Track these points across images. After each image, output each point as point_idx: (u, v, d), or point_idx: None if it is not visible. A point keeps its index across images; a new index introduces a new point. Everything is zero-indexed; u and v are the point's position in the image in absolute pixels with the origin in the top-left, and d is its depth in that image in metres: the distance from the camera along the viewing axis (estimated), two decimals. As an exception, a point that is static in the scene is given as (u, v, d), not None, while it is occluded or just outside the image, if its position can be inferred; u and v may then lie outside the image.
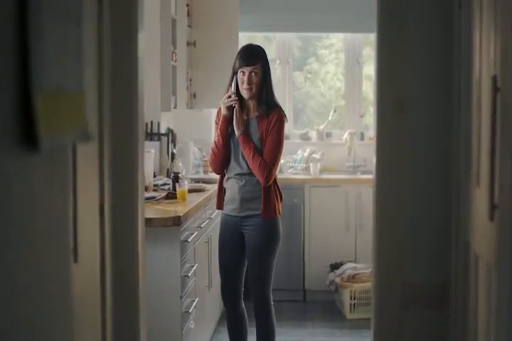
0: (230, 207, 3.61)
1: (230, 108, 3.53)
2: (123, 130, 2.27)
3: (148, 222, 3.26)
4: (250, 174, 3.53)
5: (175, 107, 4.91)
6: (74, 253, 1.83)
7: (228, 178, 3.61)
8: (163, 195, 3.95)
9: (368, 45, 6.34)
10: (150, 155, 4.32)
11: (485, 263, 1.81)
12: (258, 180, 3.50)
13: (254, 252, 3.56)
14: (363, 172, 5.77)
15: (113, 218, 2.24)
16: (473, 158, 1.94)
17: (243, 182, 3.55)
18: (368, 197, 5.40)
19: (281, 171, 5.52)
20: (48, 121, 1.01)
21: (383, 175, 2.26)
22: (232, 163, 3.59)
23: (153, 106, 4.73)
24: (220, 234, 3.70)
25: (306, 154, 5.78)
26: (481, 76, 1.86)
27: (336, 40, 6.51)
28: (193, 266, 3.70)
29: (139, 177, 2.32)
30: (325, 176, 5.67)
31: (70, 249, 1.78)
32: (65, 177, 1.45)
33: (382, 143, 2.24)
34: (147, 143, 4.70)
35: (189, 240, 3.54)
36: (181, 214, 3.38)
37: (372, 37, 6.27)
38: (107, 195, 2.18)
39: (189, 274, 3.55)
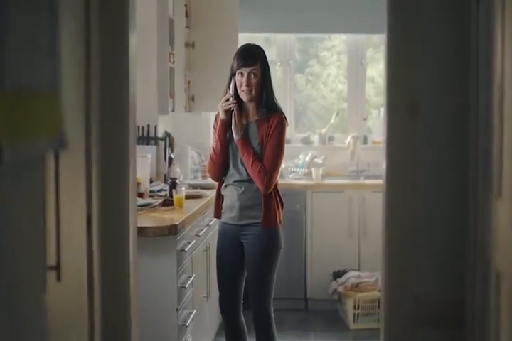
0: (229, 215, 3.44)
1: (228, 112, 3.36)
2: (113, 134, 2.11)
3: (143, 231, 3.12)
4: (250, 181, 3.36)
5: (172, 110, 4.77)
6: (57, 271, 1.67)
7: (226, 185, 3.44)
8: (160, 201, 3.78)
9: (370, 46, 6.19)
10: (146, 160, 4.17)
11: (509, 282, 1.65)
12: (258, 187, 3.34)
13: (254, 263, 3.39)
14: (367, 177, 5.62)
15: (102, 230, 2.07)
16: (494, 166, 1.78)
17: (242, 188, 3.38)
18: (371, 202, 5.27)
19: (282, 176, 5.36)
20: (11, 126, 0.85)
21: (394, 183, 2.10)
22: (231, 170, 3.42)
23: (150, 110, 4.59)
24: (218, 243, 3.53)
25: (307, 158, 5.62)
26: (504, 76, 1.70)
27: (338, 41, 6.36)
28: (190, 277, 3.54)
29: (131, 186, 2.16)
30: (327, 181, 5.53)
31: (49, 267, 1.62)
32: (39, 189, 1.29)
33: (392, 148, 2.08)
34: (144, 148, 4.56)
35: (186, 250, 3.38)
36: (178, 223, 3.22)
37: (374, 38, 6.21)
38: (95, 206, 2.02)
39: (186, 285, 3.38)
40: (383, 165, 2.22)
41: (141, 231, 3.12)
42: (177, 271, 3.25)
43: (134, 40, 2.21)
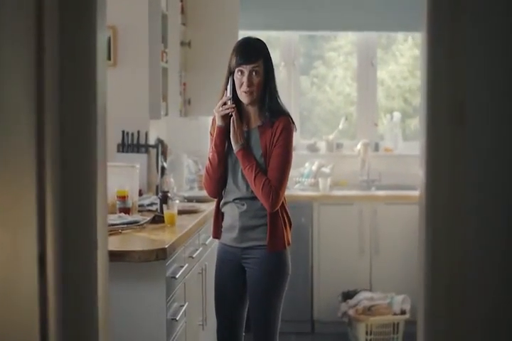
0: (229, 235, 2.98)
1: (226, 117, 2.89)
2: (75, 147, 1.65)
3: (127, 255, 2.71)
4: (252, 198, 2.89)
5: (166, 115, 4.36)
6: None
7: (226, 202, 2.98)
8: (148, 218, 3.33)
9: (378, 47, 5.74)
10: (135, 170, 3.72)
11: None
12: (263, 204, 2.88)
13: (257, 291, 2.93)
14: (379, 188, 5.20)
15: (61, 272, 1.62)
16: None
17: (245, 206, 2.92)
18: (384, 215, 4.87)
19: (286, 187, 4.93)
20: None
21: (436, 205, 1.65)
22: (230, 186, 2.95)
23: (141, 114, 4.19)
24: (217, 267, 3.08)
25: (314, 168, 5.20)
26: None
27: (345, 41, 5.93)
28: (182, 306, 3.09)
29: (99, 211, 1.70)
30: (336, 192, 5.09)
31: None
32: None
33: (434, 156, 1.65)
34: (133, 156, 4.13)
35: (177, 276, 2.93)
36: (167, 246, 2.77)
37: (383, 38, 5.77)
38: (51, 241, 1.57)
39: (177, 317, 2.93)
40: (421, 176, 1.77)
41: (125, 255, 2.72)
42: (166, 301, 2.80)
43: (102, 38, 1.79)
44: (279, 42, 5.67)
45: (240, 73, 2.84)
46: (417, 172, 5.61)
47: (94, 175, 1.68)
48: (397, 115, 5.49)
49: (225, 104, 2.86)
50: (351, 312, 4.49)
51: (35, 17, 1.52)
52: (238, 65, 2.83)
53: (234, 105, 2.86)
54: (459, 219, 1.68)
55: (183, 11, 4.86)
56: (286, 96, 5.45)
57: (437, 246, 1.70)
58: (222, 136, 2.89)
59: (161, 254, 2.73)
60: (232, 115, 2.87)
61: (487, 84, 1.68)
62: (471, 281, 1.67)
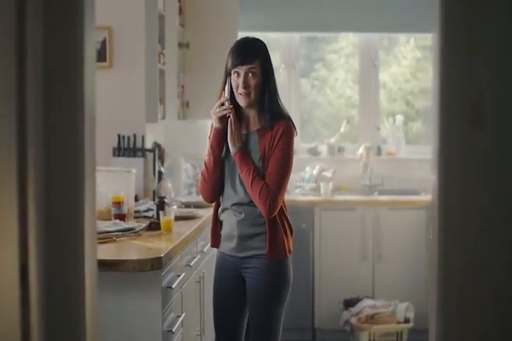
0: (228, 245, 2.86)
1: (224, 119, 2.77)
2: (61, 154, 1.55)
3: (121, 265, 2.61)
4: (251, 203, 2.78)
5: (163, 118, 4.26)
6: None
7: (224, 209, 2.86)
8: (144, 225, 3.22)
9: (380, 49, 5.63)
10: (131, 175, 3.61)
11: None
12: (260, 210, 2.77)
13: (257, 301, 2.81)
14: (381, 193, 5.08)
15: (44, 284, 1.51)
16: None
17: (243, 214, 2.80)
18: (387, 221, 4.76)
19: (286, 192, 4.82)
20: None
21: (449, 206, 1.55)
22: (228, 190, 2.83)
23: (137, 117, 4.09)
24: (216, 277, 2.96)
25: (315, 172, 5.09)
26: None
27: (346, 43, 5.82)
28: (179, 316, 2.97)
29: (87, 221, 1.59)
30: (337, 197, 4.98)
31: None
32: None
33: (447, 160, 1.54)
34: (129, 161, 4.02)
35: (173, 286, 2.81)
36: (162, 255, 2.65)
37: (386, 38, 5.67)
38: (34, 251, 1.47)
39: (174, 329, 2.82)
40: (434, 180, 1.67)
41: (119, 264, 2.61)
42: (162, 312, 2.69)
43: (91, 38, 1.68)
44: (279, 44, 5.57)
45: (236, 74, 2.73)
46: (421, 176, 5.50)
47: (82, 183, 1.56)
48: (399, 118, 5.38)
49: (222, 105, 2.75)
50: (353, 320, 4.37)
51: (16, 16, 1.42)
52: (234, 66, 2.72)
53: (232, 106, 2.74)
54: (472, 221, 1.57)
55: (181, 12, 4.75)
56: (287, 99, 5.34)
57: (449, 247, 1.59)
58: (220, 138, 2.77)
59: (156, 264, 2.62)
60: (229, 116, 2.75)
61: (504, 83, 1.58)
62: (483, 282, 1.57)
